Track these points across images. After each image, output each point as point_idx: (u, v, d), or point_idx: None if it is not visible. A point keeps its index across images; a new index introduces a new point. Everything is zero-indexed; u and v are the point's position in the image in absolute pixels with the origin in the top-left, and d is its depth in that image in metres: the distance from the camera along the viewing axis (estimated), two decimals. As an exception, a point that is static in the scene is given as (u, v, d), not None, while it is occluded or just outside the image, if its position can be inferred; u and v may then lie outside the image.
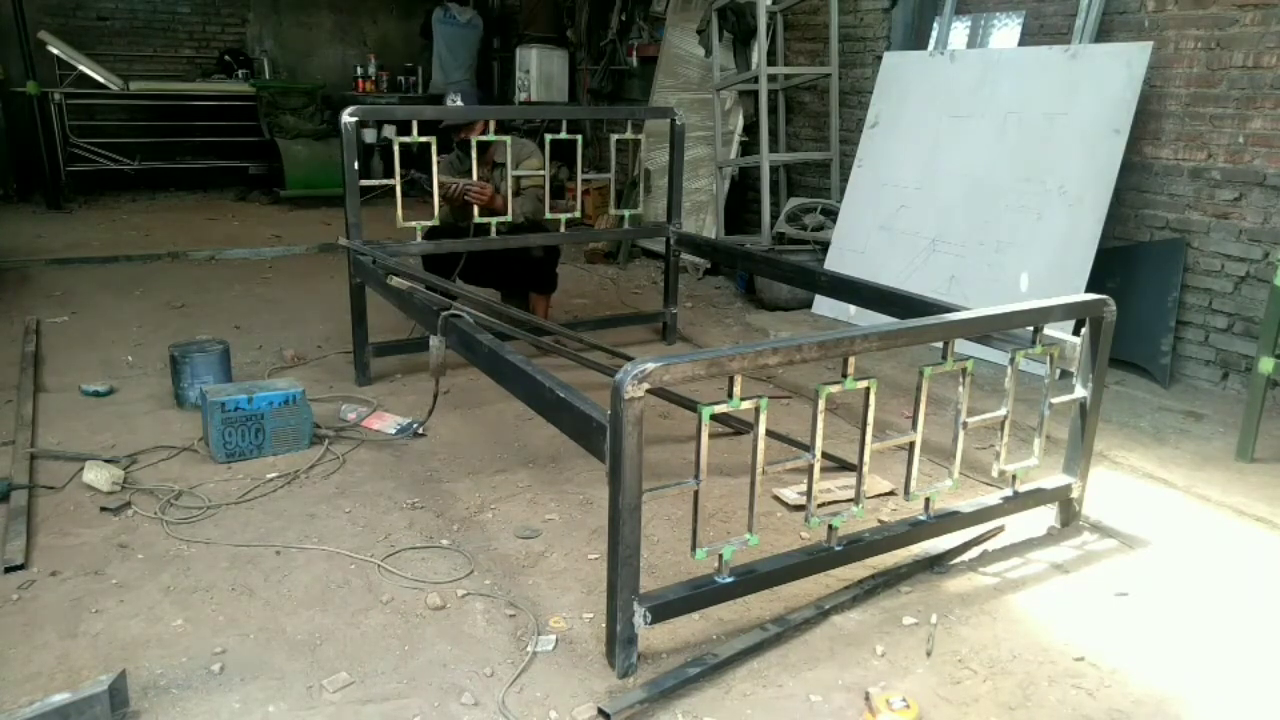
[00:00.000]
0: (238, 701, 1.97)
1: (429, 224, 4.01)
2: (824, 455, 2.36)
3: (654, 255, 6.52)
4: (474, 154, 4.10)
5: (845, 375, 2.19)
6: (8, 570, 2.42)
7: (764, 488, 2.50)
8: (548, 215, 4.46)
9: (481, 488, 3.02)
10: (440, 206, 4.06)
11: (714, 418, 2.01)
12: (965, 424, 2.45)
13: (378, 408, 3.64)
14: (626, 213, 4.69)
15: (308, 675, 2.06)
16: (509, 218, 4.19)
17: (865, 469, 2.30)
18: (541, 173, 4.35)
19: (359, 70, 9.66)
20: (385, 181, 4.00)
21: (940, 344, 2.35)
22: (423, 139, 3.84)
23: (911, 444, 2.36)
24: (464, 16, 9.39)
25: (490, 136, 4.24)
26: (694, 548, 2.07)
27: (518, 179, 4.34)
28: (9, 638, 2.16)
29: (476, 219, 4.17)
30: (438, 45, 9.38)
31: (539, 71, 8.22)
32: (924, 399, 2.33)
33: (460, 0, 9.50)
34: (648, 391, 1.88)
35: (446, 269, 4.40)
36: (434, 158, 3.96)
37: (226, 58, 9.31)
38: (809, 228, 5.51)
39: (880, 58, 5.36)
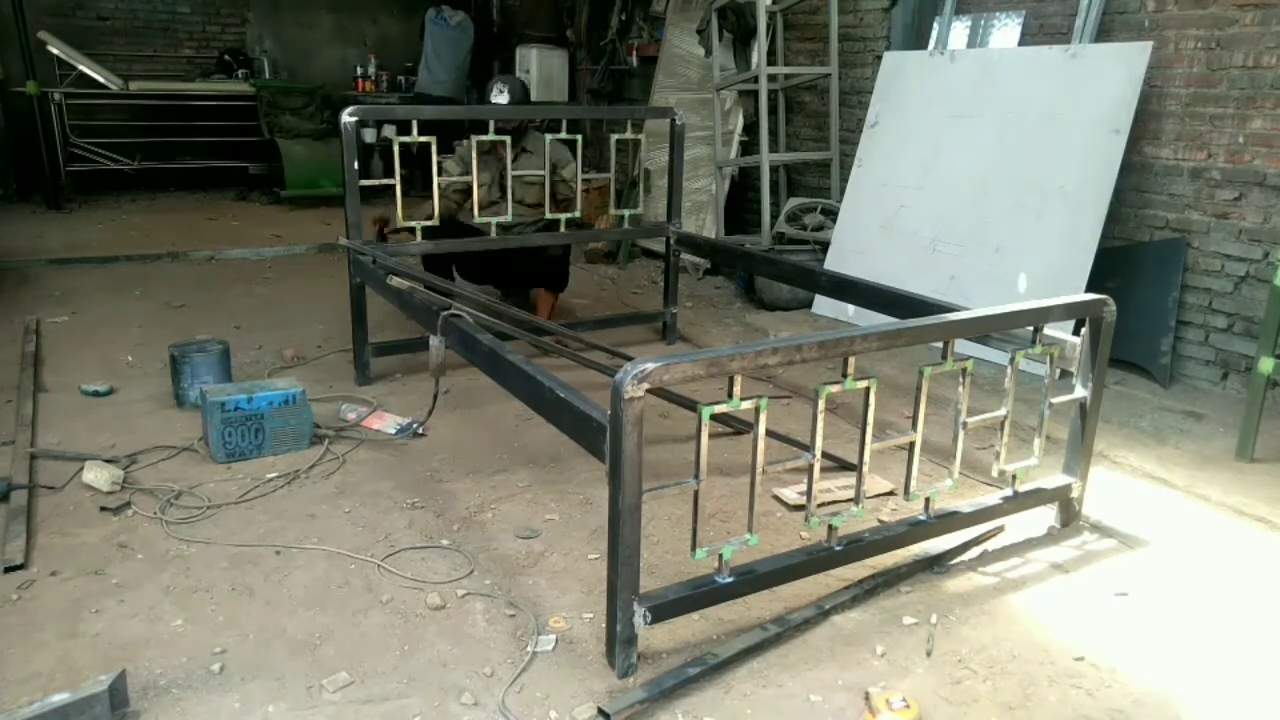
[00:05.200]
0: (238, 701, 1.97)
1: (428, 223, 4.01)
2: (824, 455, 2.36)
3: (654, 255, 6.52)
4: (474, 152, 4.17)
5: (845, 375, 2.19)
6: (8, 570, 2.42)
7: (764, 488, 2.50)
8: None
9: (481, 488, 3.02)
10: (439, 201, 4.07)
11: (714, 418, 2.01)
12: (965, 424, 2.45)
13: (378, 408, 3.64)
14: (626, 213, 4.70)
15: (308, 675, 2.06)
16: (507, 218, 4.18)
17: (865, 469, 2.30)
18: (565, 176, 4.50)
19: (359, 70, 9.66)
20: (385, 181, 4.00)
21: (940, 344, 2.35)
22: (423, 139, 3.84)
23: (911, 444, 2.36)
24: (455, 19, 9.38)
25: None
26: (694, 548, 2.07)
27: (556, 182, 4.45)
28: (9, 638, 2.16)
29: (477, 218, 4.16)
30: (427, 46, 9.39)
31: (539, 71, 8.22)
32: (924, 399, 2.33)
33: (453, 3, 9.49)
34: (648, 391, 1.88)
35: (443, 268, 4.42)
36: (433, 156, 3.96)
37: (226, 58, 9.31)
38: (809, 228, 5.51)
39: (880, 58, 5.36)
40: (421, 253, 4.03)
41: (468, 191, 4.21)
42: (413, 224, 3.97)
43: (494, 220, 4.14)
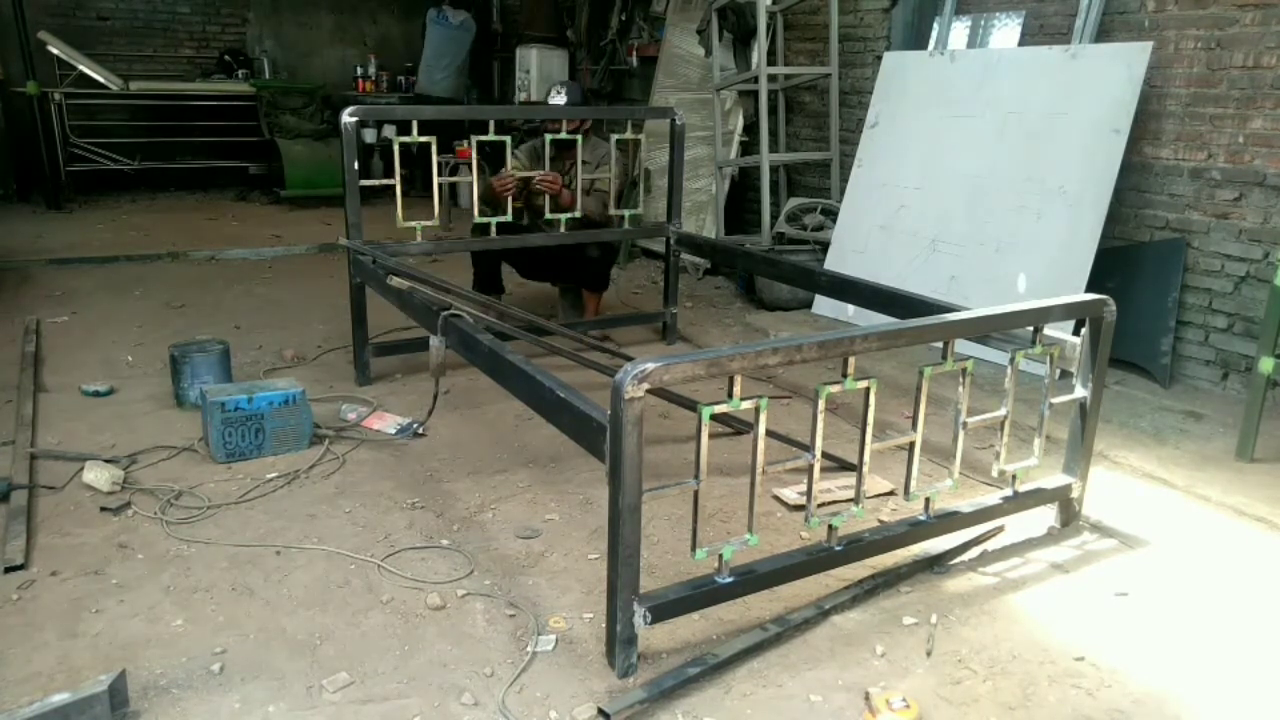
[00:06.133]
0: (238, 701, 1.97)
1: (428, 224, 4.01)
2: (824, 455, 2.36)
3: (654, 255, 6.52)
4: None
5: (845, 375, 2.19)
6: (8, 570, 2.42)
7: (764, 488, 2.50)
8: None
9: (481, 488, 3.02)
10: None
11: (714, 418, 2.01)
12: (965, 424, 2.45)
13: (378, 408, 3.64)
14: (626, 213, 4.70)
15: (308, 675, 2.06)
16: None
17: (865, 469, 2.30)
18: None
19: (359, 70, 9.66)
20: (385, 181, 4.01)
21: (940, 344, 2.35)
22: (422, 139, 3.84)
23: (911, 444, 2.36)
24: (457, 19, 9.39)
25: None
26: (694, 548, 2.07)
27: (590, 179, 4.50)
28: (9, 638, 2.16)
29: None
30: (428, 46, 9.40)
31: (539, 71, 8.22)
32: (924, 399, 2.33)
33: (455, 4, 9.50)
34: (648, 391, 1.88)
35: (496, 264, 4.64)
36: (433, 156, 3.96)
37: (226, 58, 9.31)
38: (809, 228, 5.51)
39: (880, 58, 5.36)
40: (413, 254, 4.06)
41: (525, 184, 4.38)
42: (413, 224, 3.96)
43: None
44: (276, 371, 4.06)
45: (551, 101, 4.61)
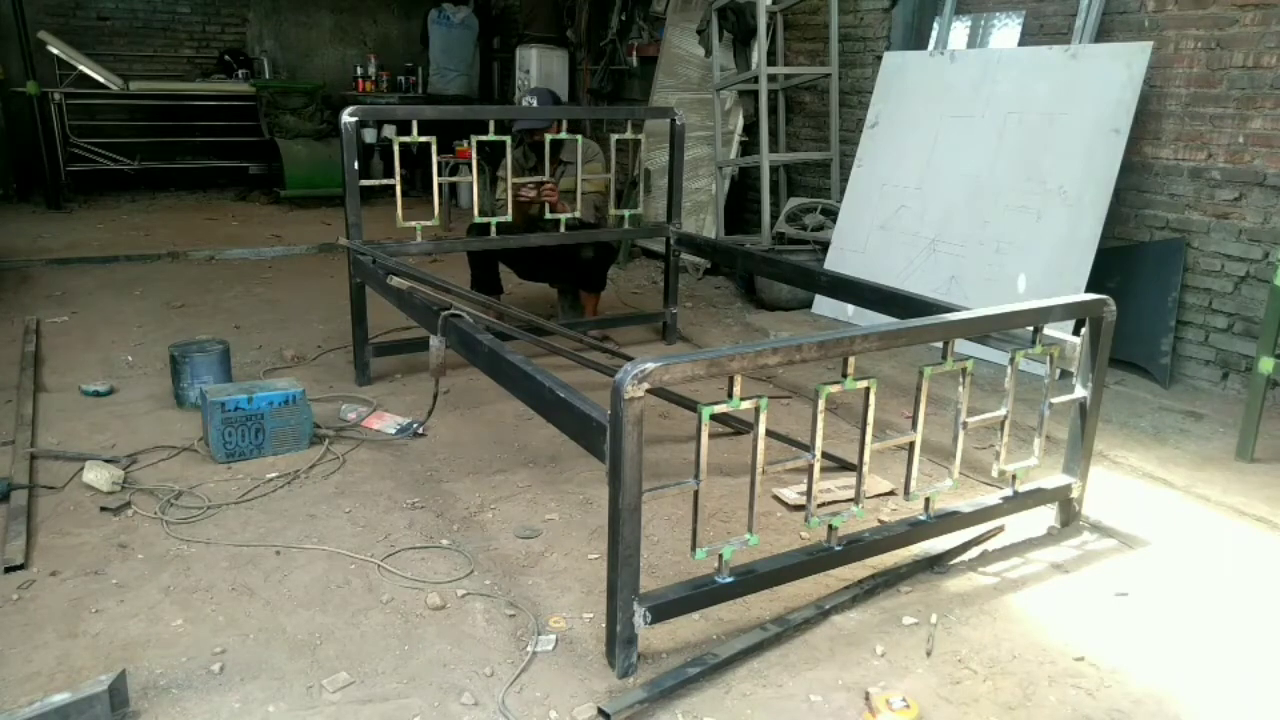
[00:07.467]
0: (238, 701, 1.97)
1: (428, 224, 4.01)
2: (824, 455, 2.36)
3: (654, 255, 6.52)
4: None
5: (845, 375, 2.19)
6: (8, 570, 2.42)
7: (764, 488, 2.50)
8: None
9: (481, 488, 3.02)
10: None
11: (714, 418, 2.01)
12: (965, 424, 2.45)
13: (378, 408, 3.64)
14: (626, 213, 4.70)
15: (308, 675, 2.06)
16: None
17: (865, 469, 2.30)
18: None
19: (359, 70, 9.66)
20: (386, 181, 4.01)
21: (940, 344, 2.35)
22: (422, 139, 3.84)
23: (911, 444, 2.36)
24: (458, 17, 9.39)
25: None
26: (694, 548, 2.07)
27: (583, 182, 4.51)
28: (9, 638, 2.16)
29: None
30: (433, 46, 9.41)
31: (539, 71, 8.22)
32: (924, 399, 2.33)
33: (455, 0, 9.50)
34: (648, 391, 1.88)
35: (493, 265, 4.64)
36: (433, 156, 3.97)
37: (226, 58, 9.31)
38: (809, 228, 5.51)
39: (880, 58, 5.36)
40: (413, 254, 4.07)
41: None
42: (413, 224, 3.96)
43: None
44: (276, 371, 4.07)
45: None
